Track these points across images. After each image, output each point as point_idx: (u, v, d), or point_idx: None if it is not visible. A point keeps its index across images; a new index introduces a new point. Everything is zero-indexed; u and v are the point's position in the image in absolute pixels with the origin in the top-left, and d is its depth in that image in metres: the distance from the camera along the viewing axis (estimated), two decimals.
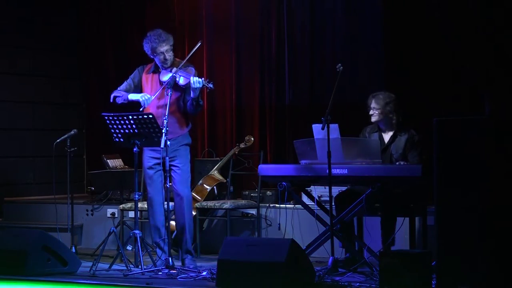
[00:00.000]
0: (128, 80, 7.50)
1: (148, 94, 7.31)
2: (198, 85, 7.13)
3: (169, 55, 7.34)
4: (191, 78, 7.16)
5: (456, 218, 5.68)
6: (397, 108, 7.15)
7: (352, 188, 7.17)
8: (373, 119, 7.18)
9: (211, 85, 7.17)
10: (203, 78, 7.19)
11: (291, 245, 5.98)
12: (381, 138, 7.17)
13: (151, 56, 7.39)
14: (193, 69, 7.32)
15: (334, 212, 6.90)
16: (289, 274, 5.91)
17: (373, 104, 7.15)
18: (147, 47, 7.35)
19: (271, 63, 9.42)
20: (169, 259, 6.89)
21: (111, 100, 7.45)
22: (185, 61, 7.32)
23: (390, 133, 7.18)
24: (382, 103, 7.12)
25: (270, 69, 9.42)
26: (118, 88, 7.48)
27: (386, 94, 7.19)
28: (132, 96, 7.37)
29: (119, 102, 7.43)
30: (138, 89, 7.46)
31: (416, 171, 6.56)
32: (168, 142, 6.95)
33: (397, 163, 6.96)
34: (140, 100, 7.29)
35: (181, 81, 7.22)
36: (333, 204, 6.86)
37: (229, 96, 9.64)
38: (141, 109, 7.26)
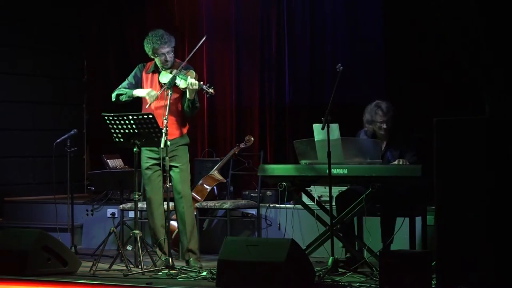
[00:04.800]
0: (128, 78, 7.49)
1: (154, 91, 7.29)
2: (192, 87, 7.11)
3: (170, 57, 7.33)
4: (189, 79, 7.15)
5: (456, 218, 5.68)
6: (397, 114, 7.10)
7: (353, 188, 7.17)
8: (384, 132, 7.06)
9: (211, 90, 7.16)
10: (202, 82, 7.17)
11: (291, 245, 5.98)
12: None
13: (151, 56, 7.38)
14: (194, 72, 7.31)
15: (334, 212, 6.90)
16: (289, 274, 5.92)
17: (383, 118, 6.97)
18: (148, 48, 7.34)
19: (271, 63, 9.42)
20: (169, 259, 6.89)
21: (114, 99, 7.42)
22: (187, 59, 7.30)
23: (385, 140, 7.13)
24: (391, 115, 6.99)
25: (270, 69, 9.43)
26: (120, 87, 7.47)
27: (385, 102, 7.02)
28: (138, 92, 7.34)
29: (123, 100, 7.40)
30: (138, 86, 7.44)
31: (416, 171, 6.55)
32: (168, 143, 6.95)
33: (395, 161, 6.93)
34: (146, 97, 7.28)
35: (182, 84, 7.19)
36: (333, 204, 6.85)
37: (229, 96, 9.65)
38: (146, 107, 7.27)
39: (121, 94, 7.39)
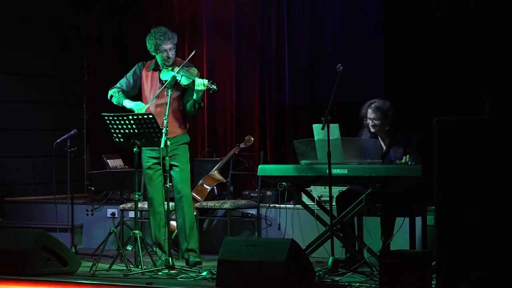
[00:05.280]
0: (127, 76, 7.50)
1: (142, 103, 7.30)
2: (202, 87, 7.12)
3: (172, 54, 7.33)
4: (196, 79, 7.15)
5: (456, 218, 5.68)
6: (395, 115, 7.10)
7: (353, 188, 7.16)
8: (373, 130, 7.08)
9: (214, 86, 7.16)
10: (206, 80, 7.18)
11: (291, 245, 5.98)
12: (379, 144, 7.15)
13: (153, 53, 7.38)
14: (196, 69, 7.31)
15: (335, 212, 6.90)
16: (289, 274, 5.92)
17: (372, 115, 7.03)
18: (150, 44, 7.33)
19: (271, 63, 9.42)
20: (169, 259, 6.89)
21: (109, 97, 7.46)
22: (185, 62, 7.31)
23: (387, 139, 7.13)
24: (380, 113, 7.02)
25: (270, 69, 9.43)
26: (117, 85, 7.48)
27: (382, 102, 7.06)
28: (127, 103, 7.39)
29: (114, 102, 7.45)
30: (137, 85, 7.45)
31: (416, 171, 6.55)
32: (168, 142, 6.95)
33: (403, 159, 6.91)
34: (135, 110, 7.29)
35: (184, 81, 7.20)
36: (333, 204, 6.85)
37: (229, 96, 9.65)
38: (148, 103, 7.29)
39: (114, 96, 7.43)
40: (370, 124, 7.07)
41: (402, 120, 7.25)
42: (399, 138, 7.07)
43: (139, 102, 7.34)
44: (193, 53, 7.27)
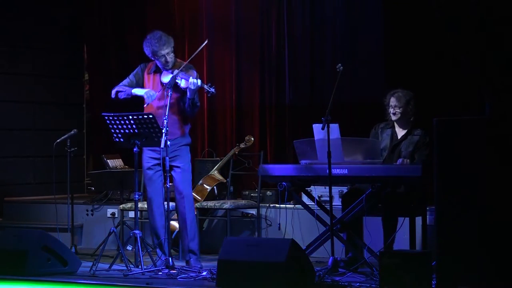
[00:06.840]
0: (130, 77, 7.48)
1: (152, 91, 7.29)
2: (193, 87, 7.11)
3: (170, 57, 7.32)
4: (190, 79, 7.14)
5: (456, 218, 5.68)
6: (416, 106, 7.16)
7: (359, 187, 7.14)
8: (394, 117, 7.14)
9: (212, 89, 7.16)
10: (202, 81, 7.17)
11: (291, 245, 5.98)
12: (394, 134, 7.17)
13: (152, 58, 7.37)
14: (195, 71, 7.30)
15: (335, 212, 6.90)
16: (289, 274, 5.92)
17: (394, 102, 7.13)
18: (147, 50, 7.32)
19: (271, 63, 9.41)
20: (169, 259, 6.89)
21: (113, 96, 7.41)
22: (187, 61, 7.30)
23: (405, 130, 7.16)
24: (403, 101, 7.11)
25: (270, 69, 9.42)
26: (120, 84, 7.46)
27: (405, 91, 7.18)
28: (136, 91, 7.34)
29: (122, 97, 7.39)
30: (139, 86, 7.45)
31: (416, 171, 6.56)
32: (169, 142, 6.95)
33: (398, 161, 6.94)
34: (144, 96, 7.28)
35: (183, 83, 7.19)
36: (334, 204, 6.85)
37: (229, 96, 9.64)
38: (144, 105, 7.27)
39: (120, 91, 7.39)
40: (391, 112, 7.15)
41: (424, 117, 7.27)
42: (416, 130, 7.09)
43: (149, 90, 7.31)
44: (205, 43, 7.26)
